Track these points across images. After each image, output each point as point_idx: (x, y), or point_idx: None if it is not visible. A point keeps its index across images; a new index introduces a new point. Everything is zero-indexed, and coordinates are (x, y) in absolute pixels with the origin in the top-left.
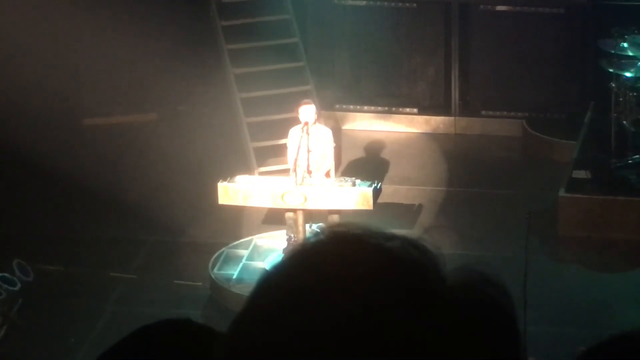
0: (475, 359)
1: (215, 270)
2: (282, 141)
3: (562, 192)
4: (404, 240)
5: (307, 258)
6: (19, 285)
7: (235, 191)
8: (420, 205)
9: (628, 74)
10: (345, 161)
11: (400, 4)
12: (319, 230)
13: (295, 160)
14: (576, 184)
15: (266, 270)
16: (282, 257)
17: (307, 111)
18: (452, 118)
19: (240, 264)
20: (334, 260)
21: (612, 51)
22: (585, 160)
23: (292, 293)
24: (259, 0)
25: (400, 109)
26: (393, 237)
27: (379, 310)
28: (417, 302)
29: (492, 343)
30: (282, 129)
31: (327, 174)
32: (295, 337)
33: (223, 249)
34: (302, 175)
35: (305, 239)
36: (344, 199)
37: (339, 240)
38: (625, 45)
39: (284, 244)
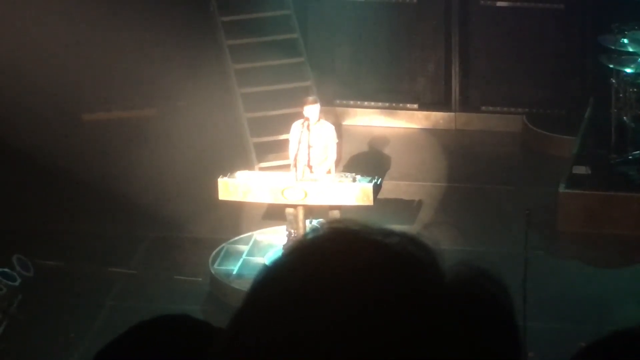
0: (473, 355)
1: (215, 266)
2: (282, 137)
3: (562, 188)
4: (403, 236)
5: (305, 254)
6: (19, 280)
7: (235, 186)
8: (420, 201)
9: (628, 70)
10: (345, 157)
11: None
12: (317, 226)
13: (296, 155)
14: (576, 180)
15: (265, 266)
16: (281, 253)
17: (312, 110)
18: (452, 114)
19: (241, 260)
20: (332, 257)
21: (612, 47)
22: (585, 156)
23: (290, 289)
24: None
25: (401, 105)
26: (391, 233)
27: (377, 306)
28: (415, 298)
29: (491, 339)
30: (282, 124)
31: (329, 171)
32: (294, 332)
33: (223, 244)
34: (302, 170)
35: (304, 235)
36: (344, 195)
37: (337, 237)
38: (626, 41)
39: (284, 240)
